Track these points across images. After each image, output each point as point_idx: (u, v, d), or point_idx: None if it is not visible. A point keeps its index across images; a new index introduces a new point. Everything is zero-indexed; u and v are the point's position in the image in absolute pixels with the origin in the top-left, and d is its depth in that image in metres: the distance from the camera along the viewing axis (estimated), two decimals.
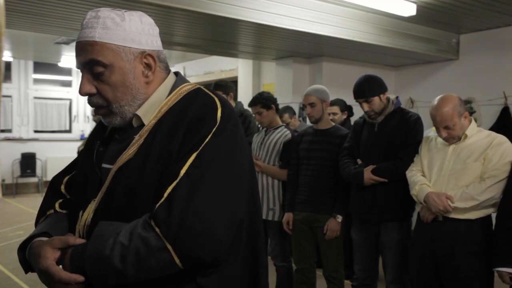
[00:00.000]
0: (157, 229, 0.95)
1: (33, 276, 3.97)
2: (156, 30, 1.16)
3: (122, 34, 1.07)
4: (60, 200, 1.25)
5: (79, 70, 1.12)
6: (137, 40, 1.09)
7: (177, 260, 0.96)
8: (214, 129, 1.04)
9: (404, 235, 2.74)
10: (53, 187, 1.30)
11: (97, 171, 1.14)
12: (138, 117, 1.12)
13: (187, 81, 1.19)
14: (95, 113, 1.16)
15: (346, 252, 3.10)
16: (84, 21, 1.09)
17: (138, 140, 1.08)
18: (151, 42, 1.13)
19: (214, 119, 1.05)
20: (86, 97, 1.12)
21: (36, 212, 1.23)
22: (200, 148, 1.01)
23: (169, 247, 0.95)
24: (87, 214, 1.10)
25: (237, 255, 1.09)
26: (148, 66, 1.12)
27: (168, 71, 1.19)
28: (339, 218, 2.92)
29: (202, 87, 1.16)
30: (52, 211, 1.23)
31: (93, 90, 1.09)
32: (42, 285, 1.08)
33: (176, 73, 1.21)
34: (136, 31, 1.09)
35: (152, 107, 1.12)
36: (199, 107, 1.08)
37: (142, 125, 1.12)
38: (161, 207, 0.97)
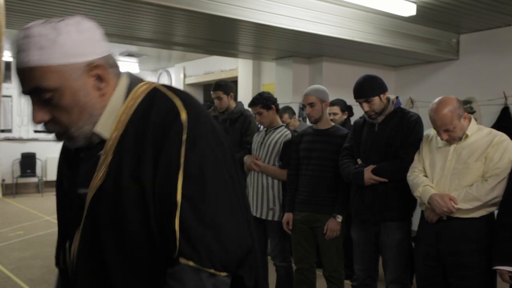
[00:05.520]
0: (191, 263, 0.94)
1: (33, 276, 3.98)
2: (98, 33, 1.02)
3: (62, 51, 0.95)
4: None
5: None
6: (79, 52, 0.97)
7: (223, 274, 0.96)
8: (185, 137, 0.96)
9: (404, 235, 2.74)
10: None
11: (75, 198, 1.06)
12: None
13: (141, 80, 1.09)
14: (57, 139, 1.05)
15: (346, 252, 3.10)
16: (17, 43, 0.97)
17: (105, 159, 1.00)
18: (96, 49, 1.00)
19: (179, 126, 0.97)
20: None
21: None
22: (182, 165, 0.95)
23: (212, 270, 0.94)
24: (75, 246, 1.05)
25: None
26: (98, 77, 1.01)
27: (120, 74, 1.08)
28: (339, 218, 2.92)
29: (158, 86, 1.06)
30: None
31: (46, 117, 0.99)
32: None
33: (129, 73, 1.10)
34: (76, 43, 0.96)
35: (109, 118, 1.02)
36: (159, 115, 0.99)
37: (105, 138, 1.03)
38: (181, 242, 0.94)
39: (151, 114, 0.99)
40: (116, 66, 1.06)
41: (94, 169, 1.01)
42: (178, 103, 1.00)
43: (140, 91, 1.04)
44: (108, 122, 1.02)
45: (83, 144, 1.04)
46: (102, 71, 1.01)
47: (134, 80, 1.08)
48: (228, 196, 1.00)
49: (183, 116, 0.97)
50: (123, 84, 1.06)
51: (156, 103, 1.01)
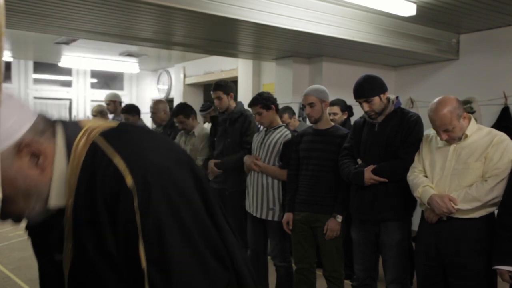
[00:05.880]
0: None
1: (33, 276, 3.95)
2: (14, 103, 0.90)
3: None
4: None
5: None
6: (2, 137, 0.85)
7: None
8: (136, 204, 0.89)
9: (404, 235, 2.74)
10: None
11: (52, 264, 1.01)
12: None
13: (77, 128, 0.98)
14: (15, 224, 1.01)
15: (346, 252, 3.10)
16: None
17: (68, 229, 0.95)
18: (18, 123, 0.88)
19: (127, 194, 0.89)
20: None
21: None
22: (140, 233, 0.89)
23: None
24: None
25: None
26: (32, 154, 0.90)
27: (54, 132, 0.96)
28: (339, 218, 2.92)
29: (96, 139, 0.95)
30: None
31: None
32: None
33: (61, 125, 0.98)
34: None
35: (60, 186, 0.94)
36: (105, 182, 0.91)
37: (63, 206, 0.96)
38: None
39: (96, 181, 0.91)
40: (47, 127, 0.94)
41: (62, 235, 0.96)
42: (120, 164, 0.91)
43: (80, 148, 0.94)
44: (60, 191, 0.94)
45: (44, 218, 0.97)
46: (33, 146, 0.90)
47: (70, 134, 0.96)
48: (194, 246, 0.95)
49: (129, 181, 0.89)
50: (60, 145, 0.95)
51: (98, 169, 0.92)
